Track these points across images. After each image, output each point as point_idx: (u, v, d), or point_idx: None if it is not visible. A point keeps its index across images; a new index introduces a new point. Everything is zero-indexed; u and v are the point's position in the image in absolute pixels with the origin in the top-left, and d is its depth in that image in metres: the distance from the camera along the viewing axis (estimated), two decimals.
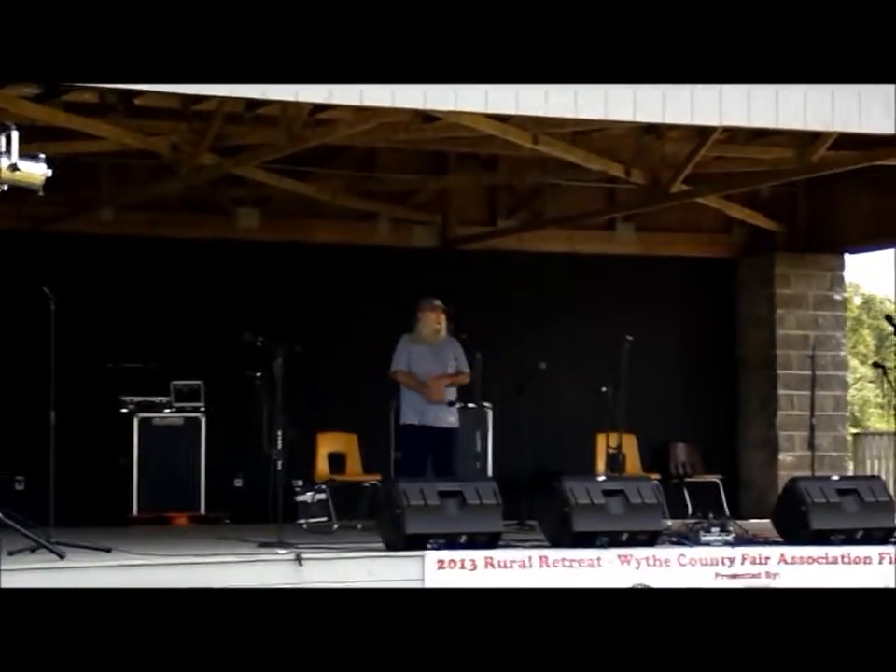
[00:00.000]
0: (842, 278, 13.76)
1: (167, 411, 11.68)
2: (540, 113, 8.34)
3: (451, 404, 10.22)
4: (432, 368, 10.23)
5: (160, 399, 11.66)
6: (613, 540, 8.62)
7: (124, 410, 11.59)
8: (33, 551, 7.88)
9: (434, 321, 10.28)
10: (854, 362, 32.47)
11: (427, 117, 10.02)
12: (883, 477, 11.53)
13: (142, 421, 11.58)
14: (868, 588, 8.44)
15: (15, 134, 6.99)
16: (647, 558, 8.57)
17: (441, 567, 8.17)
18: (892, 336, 13.87)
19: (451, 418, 10.24)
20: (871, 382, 37.90)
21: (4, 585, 7.05)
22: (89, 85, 8.48)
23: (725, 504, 12.32)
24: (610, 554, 8.51)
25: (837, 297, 13.70)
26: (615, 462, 10.36)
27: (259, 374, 9.27)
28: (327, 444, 11.46)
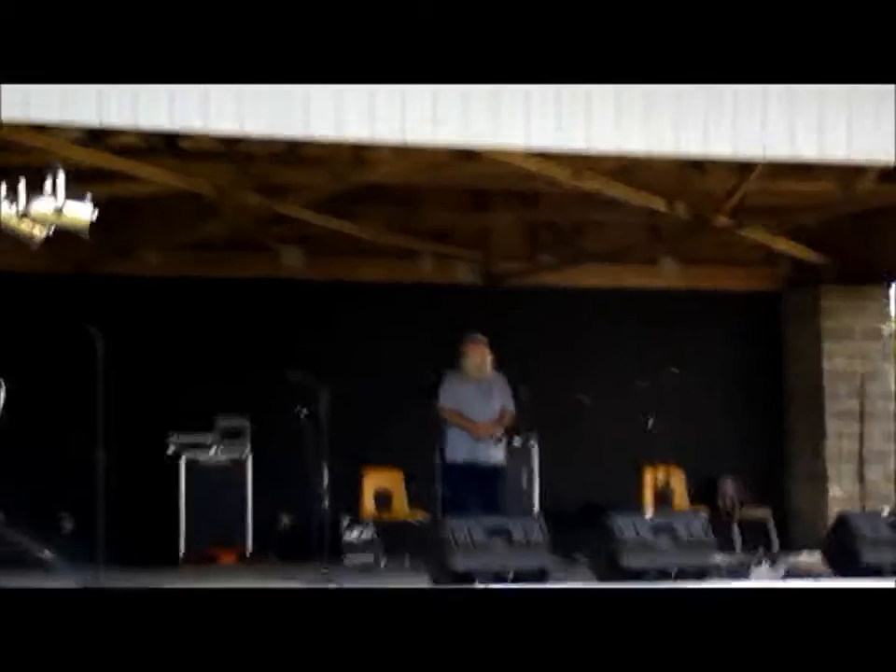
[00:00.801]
0: (889, 310, 13.67)
1: (213, 449, 11.72)
2: (582, 149, 8.35)
3: (497, 441, 10.21)
4: (477, 404, 10.22)
5: (206, 437, 11.71)
6: (662, 577, 8.57)
7: (171, 449, 11.64)
8: None
9: (477, 356, 10.27)
10: None
11: (467, 154, 10.05)
12: None
13: (189, 460, 11.62)
14: (870, 588, 8.33)
15: (62, 177, 7.06)
16: None
17: None
18: None
19: (497, 455, 10.22)
20: None
21: None
22: (133, 129, 8.55)
23: (774, 538, 12.22)
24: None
25: (885, 329, 13.61)
26: (663, 497, 10.30)
27: (304, 412, 9.28)
28: (373, 482, 11.46)
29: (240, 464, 11.72)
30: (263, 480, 11.76)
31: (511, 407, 10.32)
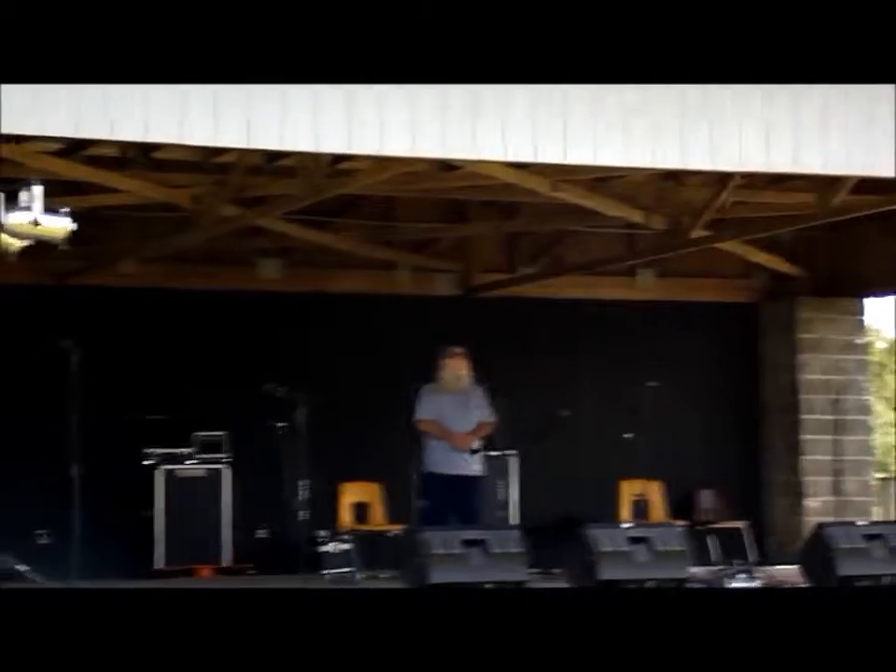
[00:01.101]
0: (863, 323, 13.72)
1: (190, 462, 11.68)
2: (560, 161, 8.37)
3: (475, 452, 10.21)
4: (456, 415, 10.22)
5: (183, 450, 11.67)
6: (639, 588, 8.57)
7: (147, 462, 11.59)
8: None
9: (456, 368, 10.28)
10: (879, 407, 32.29)
11: (446, 165, 10.06)
12: None
13: (166, 473, 11.58)
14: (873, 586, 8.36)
15: (38, 189, 7.05)
16: None
17: None
18: None
19: (476, 466, 10.22)
20: None
21: None
22: (109, 139, 8.53)
23: (751, 550, 12.24)
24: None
25: (859, 341, 13.65)
26: (640, 509, 10.32)
27: (281, 424, 9.27)
28: (350, 494, 11.44)
29: (217, 477, 11.68)
30: (241, 492, 11.73)
31: (489, 418, 10.32)
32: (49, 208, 7.18)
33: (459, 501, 10.10)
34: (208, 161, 10.29)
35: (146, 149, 9.99)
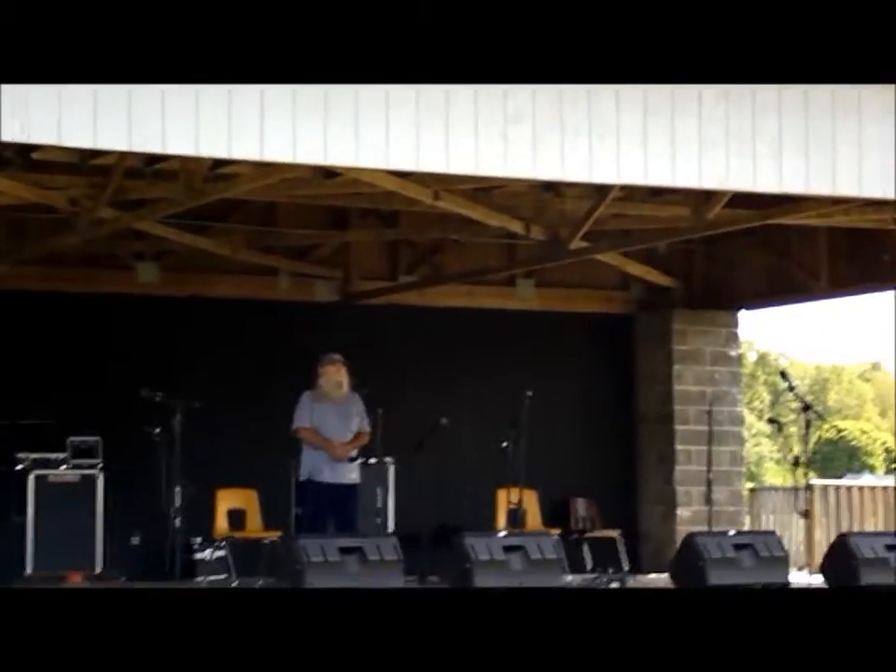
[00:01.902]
0: (737, 335, 13.97)
1: (64, 467, 11.51)
2: (440, 170, 8.41)
3: (352, 460, 10.22)
4: (335, 424, 10.22)
5: (56, 455, 11.49)
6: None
7: (19, 467, 11.40)
8: None
9: (335, 375, 10.27)
10: (750, 418, 32.87)
11: (327, 172, 10.05)
12: (778, 532, 11.68)
13: (37, 478, 11.40)
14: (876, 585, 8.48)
15: None
16: None
17: None
18: (787, 392, 14.07)
19: (352, 475, 10.23)
20: (767, 437, 38.40)
21: None
22: None
23: (624, 559, 12.39)
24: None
25: (733, 353, 13.90)
26: (515, 517, 10.39)
27: (157, 430, 9.18)
28: (226, 501, 11.36)
29: (91, 482, 11.52)
30: (114, 499, 11.58)
31: (367, 427, 10.34)
32: None
33: (336, 509, 10.09)
34: (87, 163, 10.17)
35: (23, 150, 9.84)
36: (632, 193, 11.14)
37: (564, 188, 11.02)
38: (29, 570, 11.19)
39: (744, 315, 13.87)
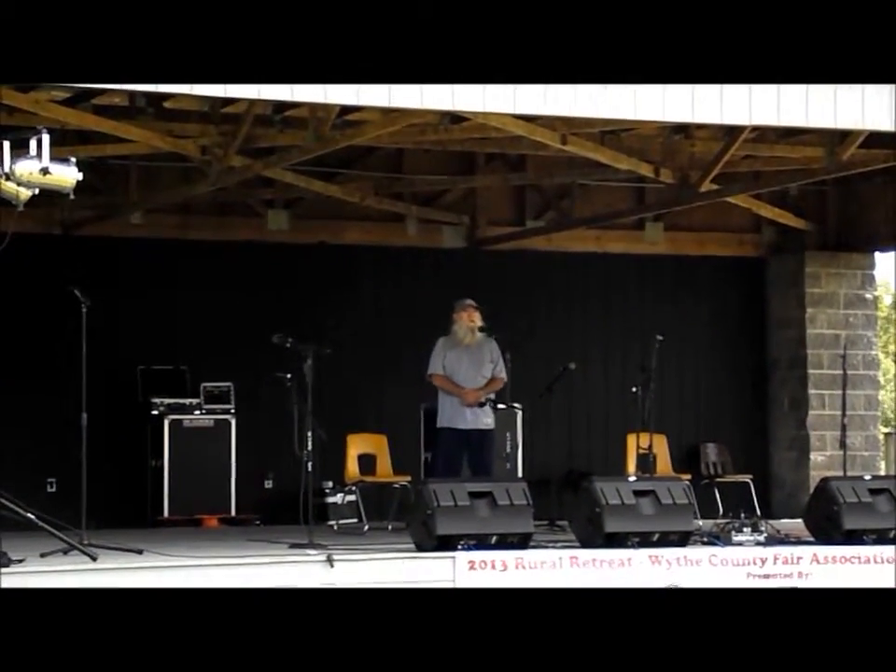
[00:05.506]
0: (873, 277, 13.70)
1: (197, 413, 11.71)
2: (568, 113, 8.33)
3: (481, 405, 10.19)
4: (467, 369, 10.19)
5: (190, 401, 11.70)
6: (644, 541, 8.60)
7: (155, 412, 11.63)
8: (65, 553, 7.91)
9: (467, 320, 10.23)
10: (886, 362, 32.23)
11: (454, 118, 10.02)
12: None
13: (172, 423, 11.62)
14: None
15: (46, 138, 7.03)
16: (678, 559, 8.54)
17: (472, 568, 8.16)
18: None
19: (487, 419, 10.20)
20: None
21: (37, 586, 7.08)
22: (118, 87, 8.51)
23: (756, 504, 12.28)
24: (641, 555, 8.48)
25: (868, 296, 13.63)
26: (645, 462, 10.32)
27: (288, 376, 9.27)
28: (356, 445, 11.46)
29: (224, 427, 11.72)
30: (247, 443, 11.77)
31: (501, 373, 10.29)
32: (57, 157, 7.16)
33: (471, 454, 10.10)
34: (217, 112, 10.26)
35: (155, 99, 9.96)
36: (764, 134, 10.94)
37: (694, 129, 10.87)
38: (166, 513, 11.43)
39: (879, 257, 13.60)
